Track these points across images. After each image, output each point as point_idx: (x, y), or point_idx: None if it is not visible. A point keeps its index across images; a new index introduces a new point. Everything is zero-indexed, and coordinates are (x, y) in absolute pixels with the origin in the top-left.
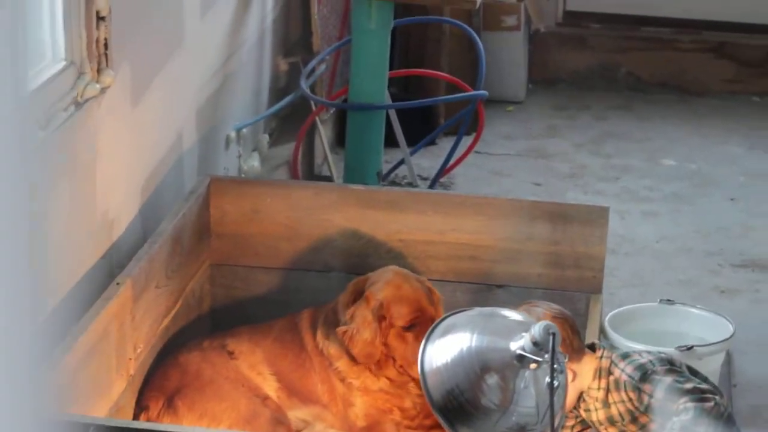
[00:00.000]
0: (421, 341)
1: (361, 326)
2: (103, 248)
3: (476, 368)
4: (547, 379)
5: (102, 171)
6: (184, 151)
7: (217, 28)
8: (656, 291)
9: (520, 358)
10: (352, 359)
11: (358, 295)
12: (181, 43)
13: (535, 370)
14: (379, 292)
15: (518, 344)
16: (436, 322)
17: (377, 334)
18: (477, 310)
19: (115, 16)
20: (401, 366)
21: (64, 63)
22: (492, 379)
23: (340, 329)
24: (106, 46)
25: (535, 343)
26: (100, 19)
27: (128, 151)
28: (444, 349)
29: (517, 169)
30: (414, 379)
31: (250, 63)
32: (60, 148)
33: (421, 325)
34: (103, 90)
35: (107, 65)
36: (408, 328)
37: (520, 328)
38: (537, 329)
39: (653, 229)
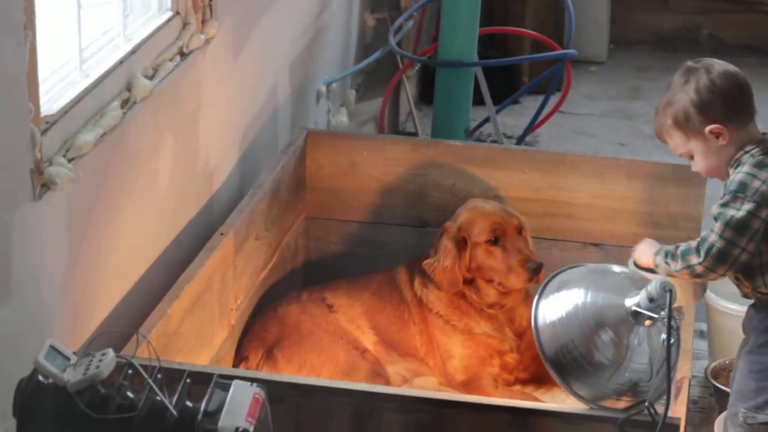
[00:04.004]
0: (509, 251)
1: (442, 255)
2: (205, 198)
3: (591, 324)
4: (663, 336)
5: (204, 121)
6: (278, 104)
7: None
8: None
9: (635, 315)
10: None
11: None
12: None
13: (649, 327)
14: (455, 219)
15: (633, 300)
16: (549, 278)
17: (456, 259)
18: (589, 266)
19: None
20: (499, 283)
21: (170, 14)
22: (606, 335)
23: (426, 262)
24: None
25: (650, 300)
26: None
27: (229, 103)
28: (558, 304)
29: (601, 130)
30: (511, 292)
31: (340, 18)
32: (166, 97)
33: (505, 236)
34: (207, 41)
35: (211, 16)
36: (493, 242)
37: (634, 285)
38: (653, 286)
39: None
